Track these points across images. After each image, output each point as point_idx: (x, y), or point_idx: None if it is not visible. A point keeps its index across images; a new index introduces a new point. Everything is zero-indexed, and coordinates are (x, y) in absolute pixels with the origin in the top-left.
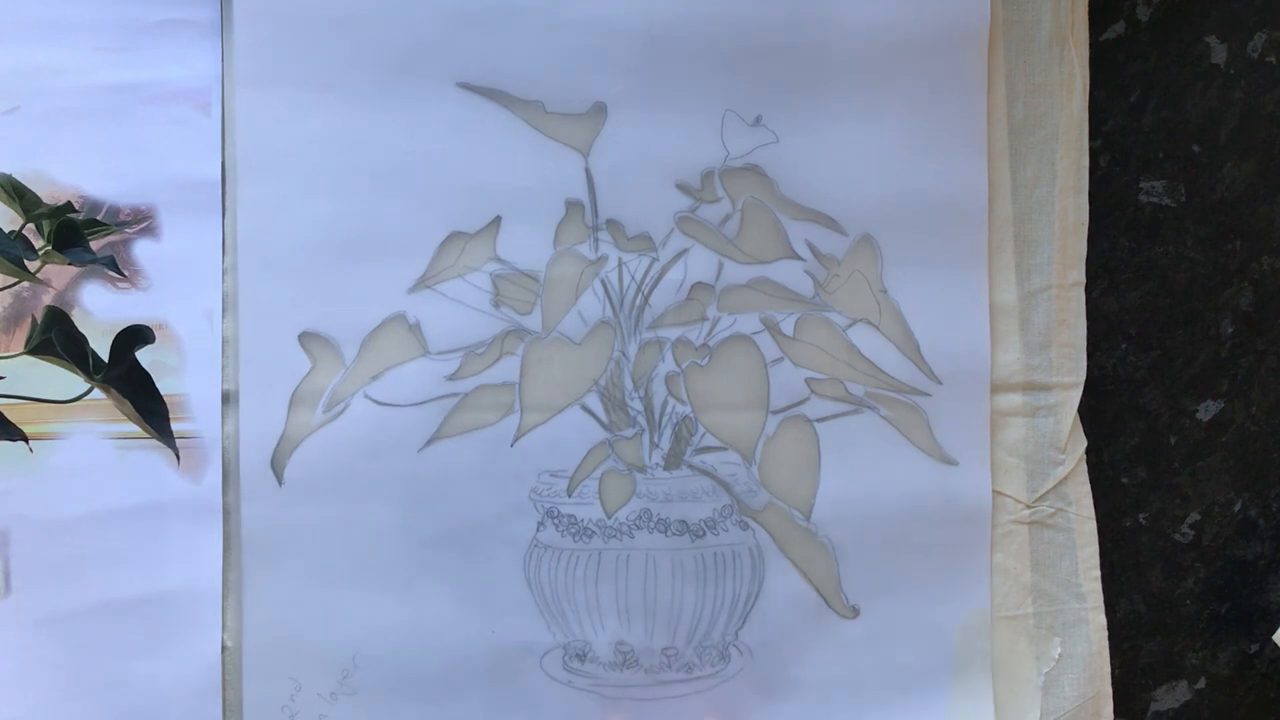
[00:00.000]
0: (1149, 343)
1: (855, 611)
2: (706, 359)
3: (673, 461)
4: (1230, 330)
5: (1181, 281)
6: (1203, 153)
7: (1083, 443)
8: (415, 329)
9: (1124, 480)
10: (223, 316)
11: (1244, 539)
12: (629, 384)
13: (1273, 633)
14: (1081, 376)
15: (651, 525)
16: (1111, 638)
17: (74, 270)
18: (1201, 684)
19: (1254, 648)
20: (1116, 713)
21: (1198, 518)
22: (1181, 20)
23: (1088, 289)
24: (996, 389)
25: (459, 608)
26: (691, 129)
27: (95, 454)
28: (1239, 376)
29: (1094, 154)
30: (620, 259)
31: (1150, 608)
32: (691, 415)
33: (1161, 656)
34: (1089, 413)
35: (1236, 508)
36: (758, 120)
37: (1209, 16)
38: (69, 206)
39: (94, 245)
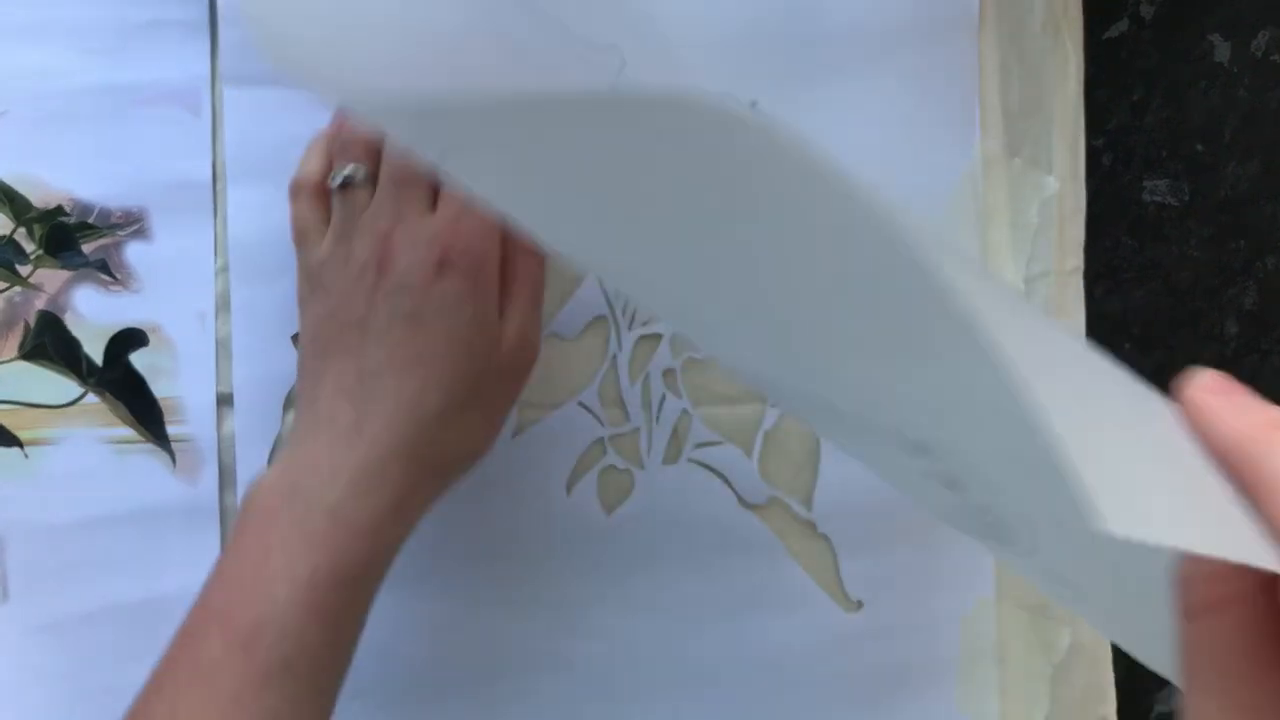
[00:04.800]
0: (1152, 343)
1: (858, 605)
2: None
3: (671, 457)
4: (1234, 330)
5: (1185, 281)
6: (1206, 152)
7: None
8: None
9: None
10: (215, 318)
11: None
12: (626, 379)
13: None
14: None
15: (651, 522)
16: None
17: (66, 274)
18: None
19: None
20: (1120, 716)
21: None
22: (1185, 19)
23: (1091, 289)
24: None
25: (459, 607)
26: None
27: (91, 458)
28: (1243, 376)
29: (1097, 153)
30: None
31: None
32: (689, 409)
33: None
34: None
35: None
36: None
37: (1213, 15)
38: (60, 210)
39: (86, 248)
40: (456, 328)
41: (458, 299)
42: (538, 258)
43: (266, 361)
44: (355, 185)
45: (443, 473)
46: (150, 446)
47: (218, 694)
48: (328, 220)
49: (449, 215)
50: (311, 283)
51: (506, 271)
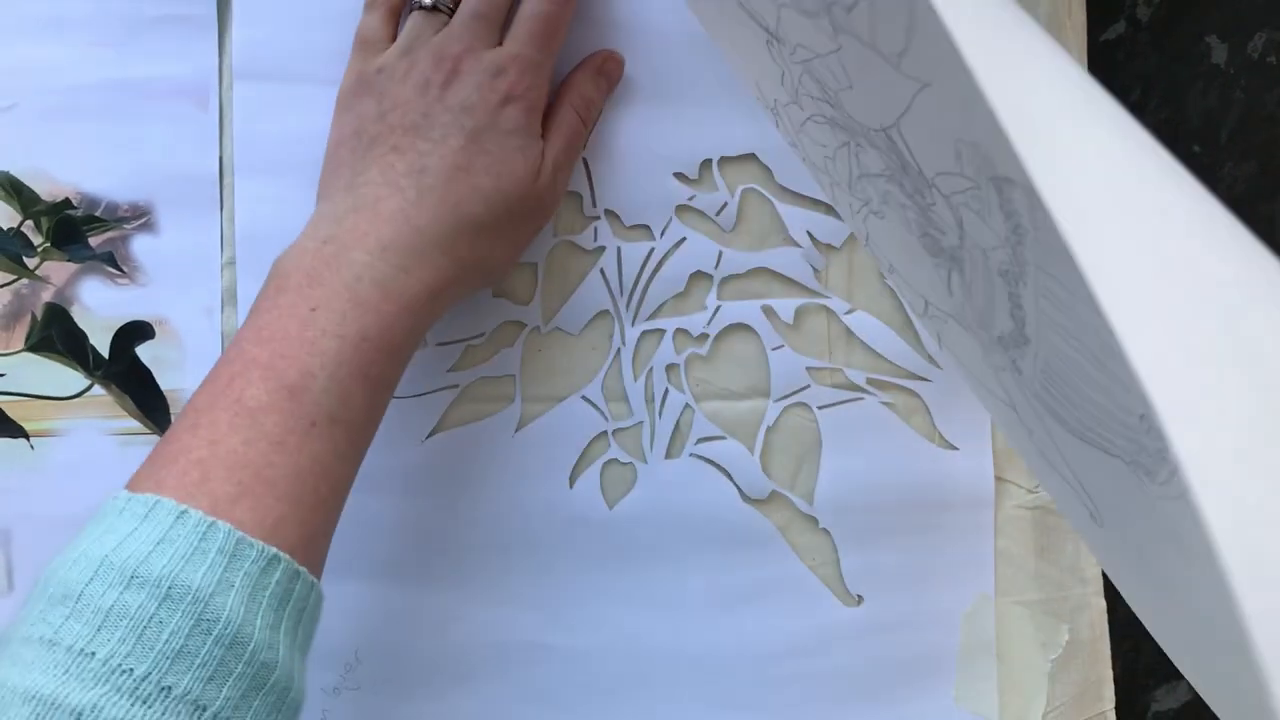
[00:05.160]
0: None
1: (858, 599)
2: (706, 347)
3: (674, 451)
4: None
5: None
6: (1204, 153)
7: None
8: None
9: None
10: (222, 311)
11: None
12: (629, 374)
13: None
14: None
15: (653, 516)
16: (1111, 638)
17: (73, 267)
18: None
19: None
20: (1117, 713)
21: None
22: (1182, 20)
23: None
24: None
25: (463, 600)
26: (688, 118)
27: (96, 450)
28: None
29: None
30: (619, 248)
31: None
32: (692, 404)
33: (1162, 657)
34: None
35: None
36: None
37: (1209, 17)
38: (67, 203)
39: (93, 242)
40: (508, 151)
41: (514, 127)
42: (579, 114)
43: None
44: (440, 9)
45: (469, 276)
46: (156, 439)
47: (262, 436)
48: (391, 36)
49: (514, 53)
50: (364, 85)
51: (549, 119)
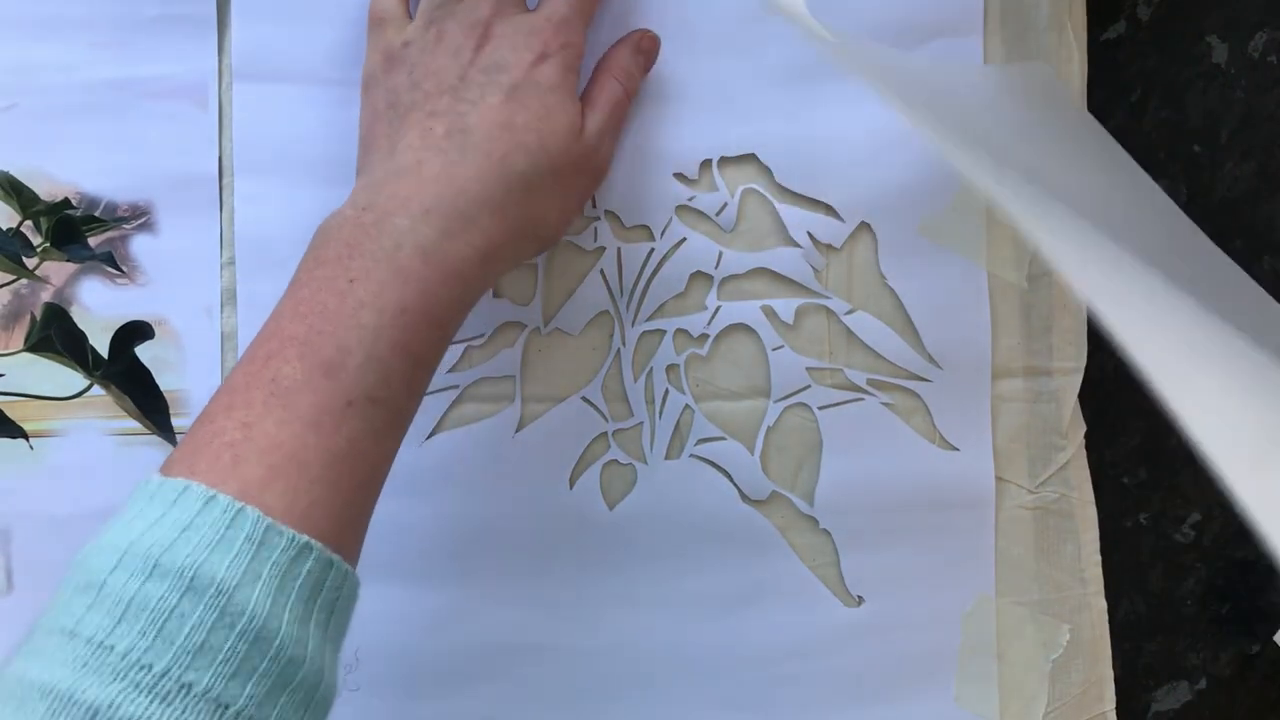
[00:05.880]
0: None
1: (859, 600)
2: (706, 348)
3: (674, 452)
4: None
5: None
6: (1204, 153)
7: (1082, 428)
8: None
9: (1125, 480)
10: (221, 311)
11: (1245, 539)
12: (629, 374)
13: (1273, 633)
14: (1082, 362)
15: (653, 516)
16: (1111, 638)
17: (72, 267)
18: (1203, 684)
19: (1255, 648)
20: (1117, 713)
21: (1198, 518)
22: (1182, 19)
23: None
24: (997, 374)
25: (463, 600)
26: (688, 118)
27: (96, 451)
28: None
29: None
30: (618, 249)
31: (1151, 608)
32: (692, 405)
33: (1162, 657)
34: (1090, 413)
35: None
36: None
37: (1210, 16)
38: (66, 203)
39: (92, 242)
40: (548, 107)
41: (552, 84)
42: (621, 84)
43: None
44: None
45: (520, 241)
46: (155, 439)
47: (296, 417)
48: (406, 11)
49: (547, 14)
50: (391, 60)
51: (591, 89)
